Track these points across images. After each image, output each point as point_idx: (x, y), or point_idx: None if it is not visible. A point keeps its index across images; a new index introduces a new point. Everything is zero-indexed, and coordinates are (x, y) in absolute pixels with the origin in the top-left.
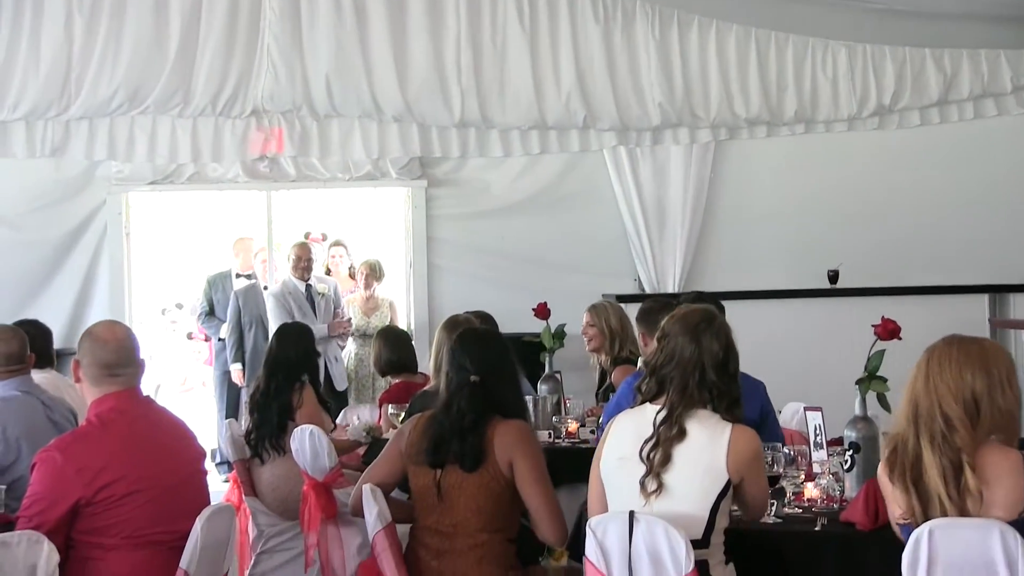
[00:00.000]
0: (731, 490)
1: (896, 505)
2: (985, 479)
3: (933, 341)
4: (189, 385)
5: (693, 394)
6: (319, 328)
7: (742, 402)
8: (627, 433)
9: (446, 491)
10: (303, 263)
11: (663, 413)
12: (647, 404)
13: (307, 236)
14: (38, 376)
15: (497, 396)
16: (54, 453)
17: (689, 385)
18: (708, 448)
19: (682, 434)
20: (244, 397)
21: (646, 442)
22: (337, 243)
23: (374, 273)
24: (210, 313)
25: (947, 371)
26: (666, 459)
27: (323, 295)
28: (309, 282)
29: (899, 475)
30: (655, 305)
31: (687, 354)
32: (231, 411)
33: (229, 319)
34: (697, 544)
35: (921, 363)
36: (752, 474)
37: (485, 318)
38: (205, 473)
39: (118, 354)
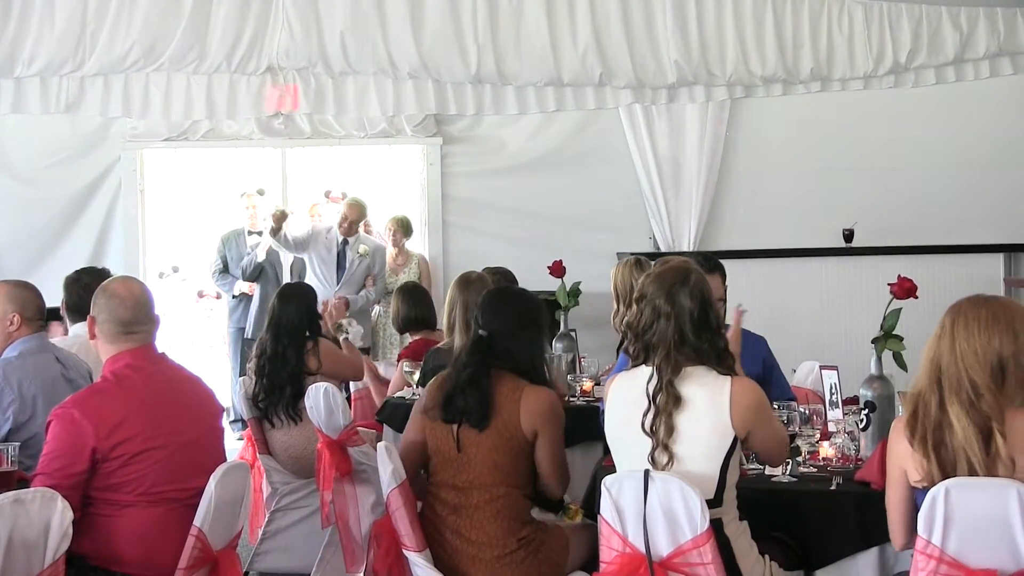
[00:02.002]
0: (738, 446)
1: (914, 469)
2: (1015, 445)
3: (947, 300)
4: (199, 344)
5: (676, 357)
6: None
7: (731, 350)
8: (624, 397)
9: (464, 447)
10: (346, 223)
11: (654, 381)
12: (642, 366)
13: (327, 195)
14: (79, 329)
15: (504, 351)
16: (71, 410)
17: (671, 348)
18: (711, 407)
19: (679, 400)
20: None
21: (645, 414)
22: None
23: (402, 228)
24: (224, 270)
25: (975, 335)
26: (670, 430)
27: (362, 256)
28: (348, 239)
29: (920, 439)
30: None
31: (664, 316)
32: (244, 369)
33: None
34: (710, 504)
35: (945, 324)
36: (760, 424)
37: (505, 275)
38: (222, 431)
39: (135, 311)
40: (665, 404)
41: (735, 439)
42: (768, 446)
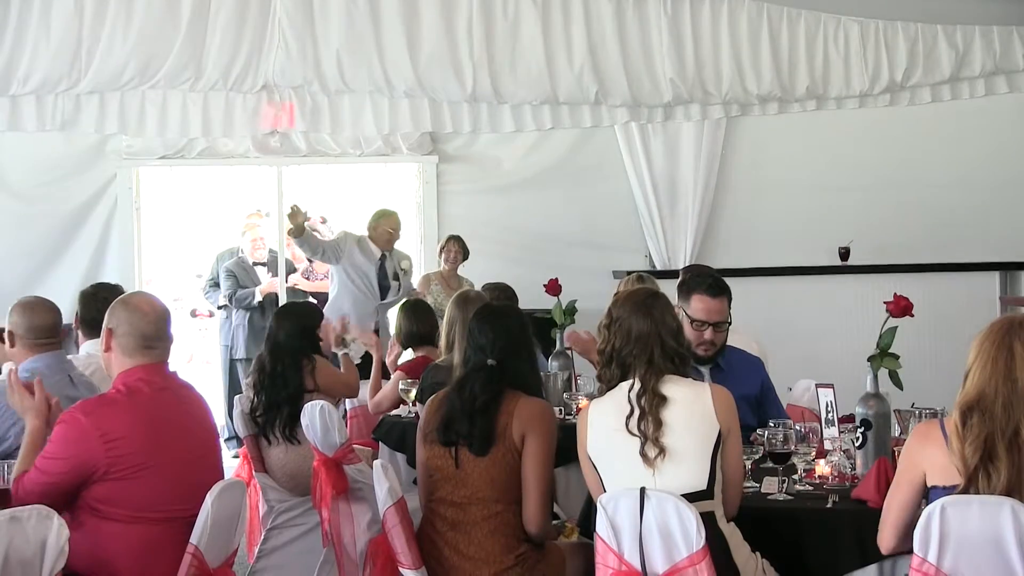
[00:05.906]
0: (723, 443)
1: (942, 470)
2: None
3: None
4: (195, 362)
5: (659, 364)
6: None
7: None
8: (603, 410)
9: (462, 463)
10: (395, 236)
11: (637, 388)
12: (617, 386)
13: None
14: (92, 348)
15: (514, 376)
16: (78, 415)
17: (654, 356)
18: (695, 401)
19: (664, 399)
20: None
21: (629, 416)
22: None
23: (462, 251)
24: (215, 287)
25: None
26: (658, 424)
27: (405, 271)
28: (387, 253)
29: (987, 439)
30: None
31: (645, 329)
32: (236, 386)
33: (227, 291)
34: (702, 495)
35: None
36: (734, 430)
37: (504, 290)
38: (220, 450)
39: (157, 326)
40: (650, 406)
41: (720, 433)
42: (735, 463)
